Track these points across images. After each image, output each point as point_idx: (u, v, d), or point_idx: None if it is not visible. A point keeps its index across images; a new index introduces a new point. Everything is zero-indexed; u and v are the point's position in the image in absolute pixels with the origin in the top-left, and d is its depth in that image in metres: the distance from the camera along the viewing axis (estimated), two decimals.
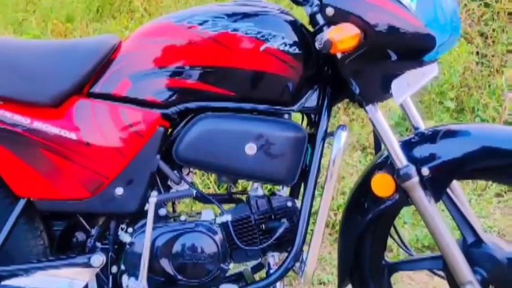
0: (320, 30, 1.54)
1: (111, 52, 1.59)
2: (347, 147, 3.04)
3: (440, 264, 1.76)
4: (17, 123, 1.52)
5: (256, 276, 1.77)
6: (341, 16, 1.51)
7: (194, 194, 1.61)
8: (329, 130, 1.66)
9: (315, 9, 1.56)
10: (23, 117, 1.52)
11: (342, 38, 1.47)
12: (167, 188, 1.64)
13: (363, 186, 1.75)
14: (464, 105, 3.56)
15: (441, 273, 1.80)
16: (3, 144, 1.52)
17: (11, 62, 1.56)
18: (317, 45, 1.49)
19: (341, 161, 1.62)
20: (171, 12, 3.65)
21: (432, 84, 3.51)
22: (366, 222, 1.77)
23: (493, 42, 4.04)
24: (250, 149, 1.57)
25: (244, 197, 1.73)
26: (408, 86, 1.62)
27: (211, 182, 2.66)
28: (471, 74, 3.70)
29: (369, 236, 1.81)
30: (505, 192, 2.98)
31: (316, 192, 1.67)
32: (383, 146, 1.72)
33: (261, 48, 1.55)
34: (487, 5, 4.11)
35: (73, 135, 1.53)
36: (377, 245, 1.84)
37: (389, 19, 1.50)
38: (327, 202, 1.64)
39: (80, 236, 1.68)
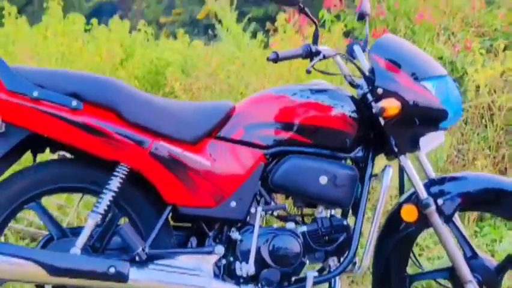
0: (370, 104, 2.33)
1: (230, 111, 2.34)
2: None
3: (446, 274, 2.48)
4: (173, 151, 2.22)
5: None
6: (386, 94, 2.30)
7: (286, 207, 2.33)
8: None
9: (366, 91, 2.36)
10: (176, 147, 2.23)
11: (390, 106, 2.25)
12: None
13: (394, 216, 2.48)
14: None
15: (441, 281, 2.52)
16: (164, 164, 2.22)
17: (165, 111, 2.28)
18: (374, 110, 2.26)
19: (388, 191, 2.37)
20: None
21: None
22: (395, 243, 2.48)
23: (466, 141, 4.94)
24: (323, 179, 2.30)
25: (311, 218, 2.44)
26: (428, 144, 2.40)
27: None
28: (451, 163, 4.56)
29: (396, 253, 2.51)
30: None
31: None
32: (405, 189, 2.49)
33: (332, 113, 2.33)
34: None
35: (208, 163, 2.25)
36: (401, 261, 2.53)
37: (418, 97, 2.29)
38: (378, 219, 2.36)
39: (196, 238, 2.36)
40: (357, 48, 2.46)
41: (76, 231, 2.28)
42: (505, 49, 5.22)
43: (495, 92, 4.91)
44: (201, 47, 6.95)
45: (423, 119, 2.32)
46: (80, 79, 2.25)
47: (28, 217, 3.01)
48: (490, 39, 6.17)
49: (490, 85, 4.95)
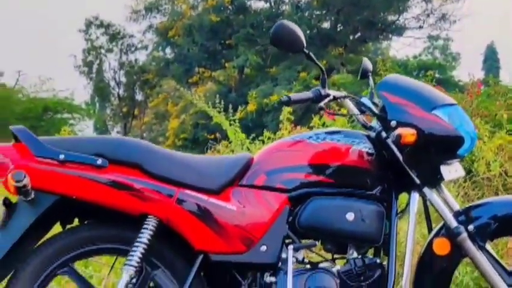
0: (385, 141, 2.37)
1: (249, 161, 2.39)
2: None
3: None
4: (198, 198, 2.24)
5: None
6: (400, 125, 2.34)
7: (316, 244, 2.30)
8: None
9: (380, 129, 2.41)
10: (202, 196, 2.26)
11: (406, 133, 2.29)
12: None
13: (427, 252, 2.42)
14: None
15: None
16: (191, 212, 2.23)
17: (187, 164, 2.33)
18: (391, 139, 2.31)
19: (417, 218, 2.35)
20: None
21: None
22: (432, 280, 2.42)
23: None
24: (350, 216, 2.29)
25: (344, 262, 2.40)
26: (450, 173, 2.41)
27: None
28: None
29: None
30: None
31: None
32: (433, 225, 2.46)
33: (350, 151, 2.37)
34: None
35: (234, 208, 2.25)
36: None
37: (432, 125, 2.33)
38: (411, 250, 2.32)
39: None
40: (365, 99, 2.56)
41: None
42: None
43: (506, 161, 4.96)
44: None
45: (440, 146, 2.35)
46: (102, 141, 2.32)
47: None
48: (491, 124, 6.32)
49: (499, 157, 5.01)
